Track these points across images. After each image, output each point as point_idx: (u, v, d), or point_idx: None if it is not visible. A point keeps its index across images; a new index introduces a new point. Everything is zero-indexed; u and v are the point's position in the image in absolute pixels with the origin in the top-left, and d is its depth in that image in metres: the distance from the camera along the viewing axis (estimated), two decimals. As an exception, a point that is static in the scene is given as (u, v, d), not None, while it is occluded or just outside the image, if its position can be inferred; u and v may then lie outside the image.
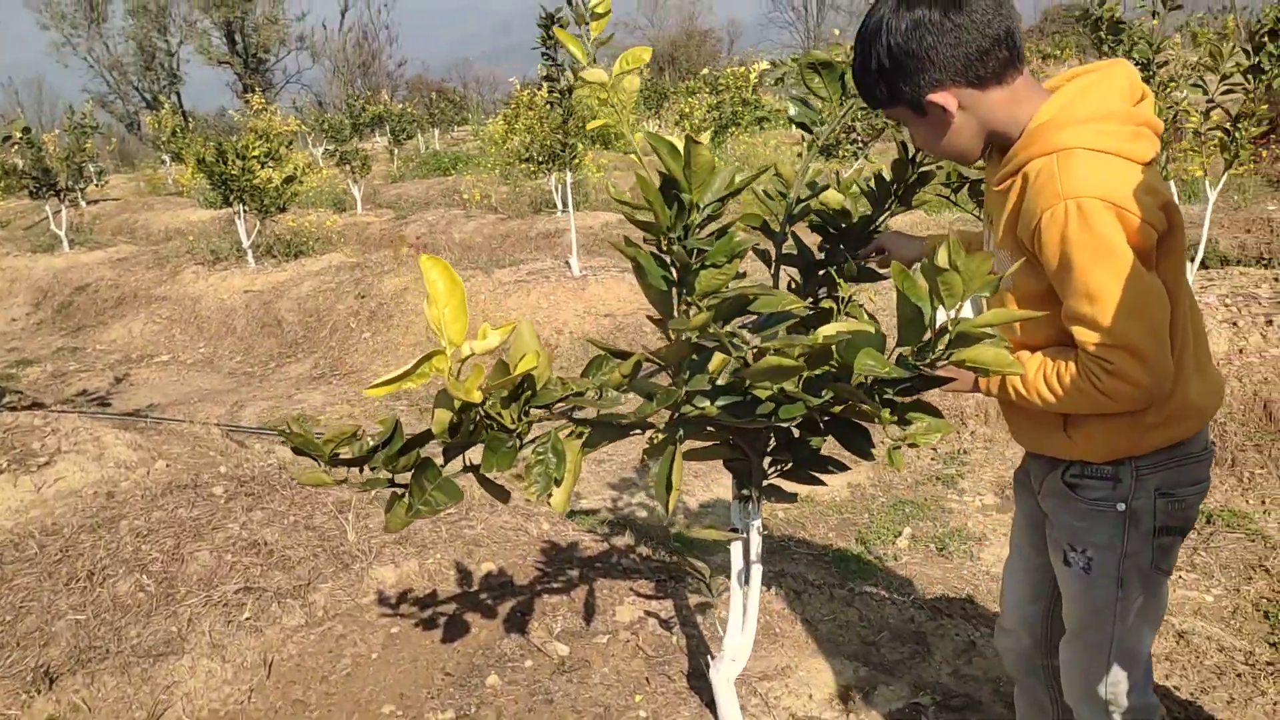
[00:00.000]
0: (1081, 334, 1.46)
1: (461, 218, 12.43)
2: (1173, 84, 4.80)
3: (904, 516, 4.40)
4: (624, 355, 1.59)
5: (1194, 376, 1.54)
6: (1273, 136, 8.37)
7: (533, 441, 1.60)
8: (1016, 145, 1.55)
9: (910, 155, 1.99)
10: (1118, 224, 1.42)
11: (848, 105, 2.08)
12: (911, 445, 1.42)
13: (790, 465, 1.94)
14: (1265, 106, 4.85)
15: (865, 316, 1.70)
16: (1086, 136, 1.48)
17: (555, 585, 3.17)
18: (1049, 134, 1.50)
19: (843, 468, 1.87)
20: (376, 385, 1.40)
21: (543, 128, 8.96)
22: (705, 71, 17.86)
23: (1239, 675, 2.80)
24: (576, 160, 8.42)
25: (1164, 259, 1.48)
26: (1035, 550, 1.81)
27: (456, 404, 1.51)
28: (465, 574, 3.26)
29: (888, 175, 2.03)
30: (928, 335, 1.36)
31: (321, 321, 8.03)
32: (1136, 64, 5.01)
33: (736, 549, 2.15)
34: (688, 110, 15.75)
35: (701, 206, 1.40)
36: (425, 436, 1.64)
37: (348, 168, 14.11)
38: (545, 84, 8.16)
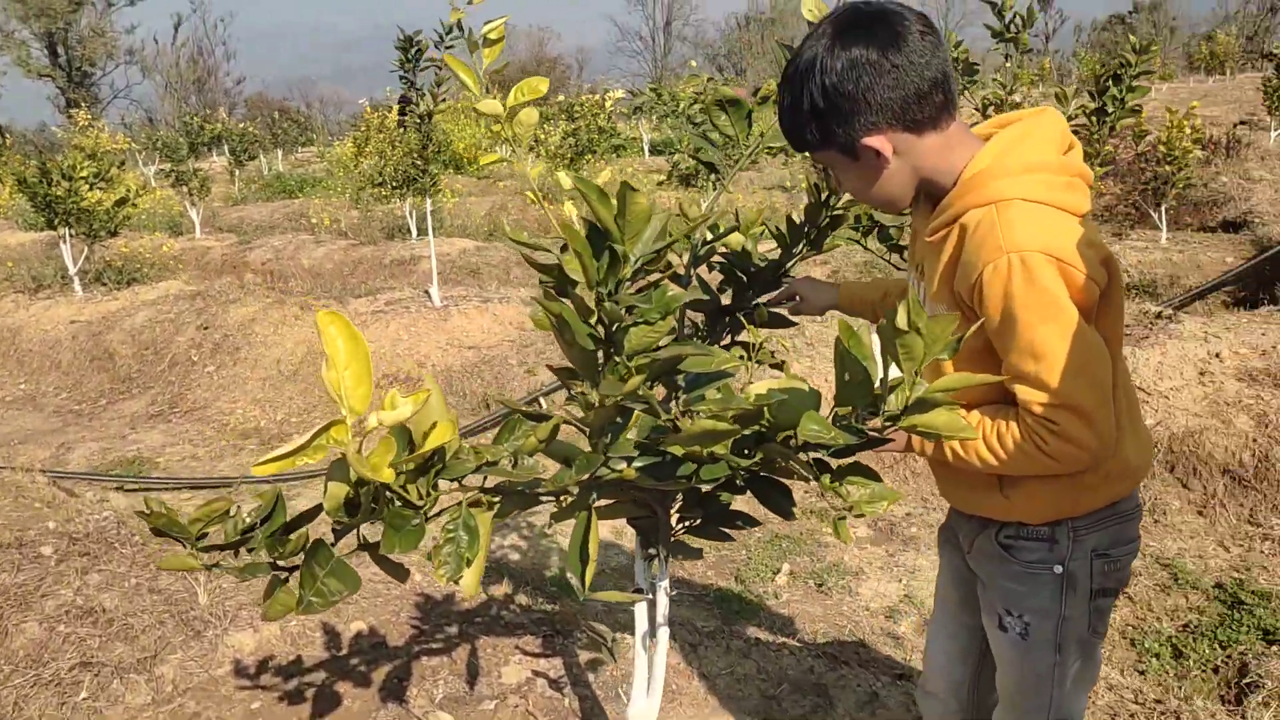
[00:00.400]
0: (1025, 393, 1.40)
1: (310, 243, 11.93)
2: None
3: (780, 552, 4.36)
4: (540, 417, 1.44)
5: (1130, 434, 1.51)
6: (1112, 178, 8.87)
7: (438, 514, 1.44)
8: (951, 194, 1.48)
9: (824, 198, 1.92)
10: (1061, 279, 1.36)
11: (753, 143, 2.00)
12: (858, 515, 1.33)
13: (699, 521, 1.83)
14: (1109, 147, 5.08)
15: (789, 372, 1.61)
16: (1024, 187, 1.42)
17: (434, 645, 2.96)
18: (986, 183, 1.44)
19: (754, 523, 1.77)
20: (265, 462, 1.20)
21: (395, 151, 8.69)
22: (561, 98, 17.81)
23: (1132, 716, 2.84)
24: (435, 187, 8.17)
25: (1103, 314, 1.44)
26: (963, 609, 1.76)
27: (353, 477, 1.33)
28: (333, 636, 3.01)
29: (798, 218, 1.96)
30: (874, 397, 1.27)
31: (159, 355, 7.50)
32: (988, 104, 5.19)
33: (641, 610, 2.02)
34: (543, 136, 15.65)
35: (634, 258, 1.27)
36: (313, 513, 1.45)
37: (185, 189, 13.36)
38: (400, 107, 7.89)
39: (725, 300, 2.03)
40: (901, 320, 1.14)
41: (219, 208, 16.68)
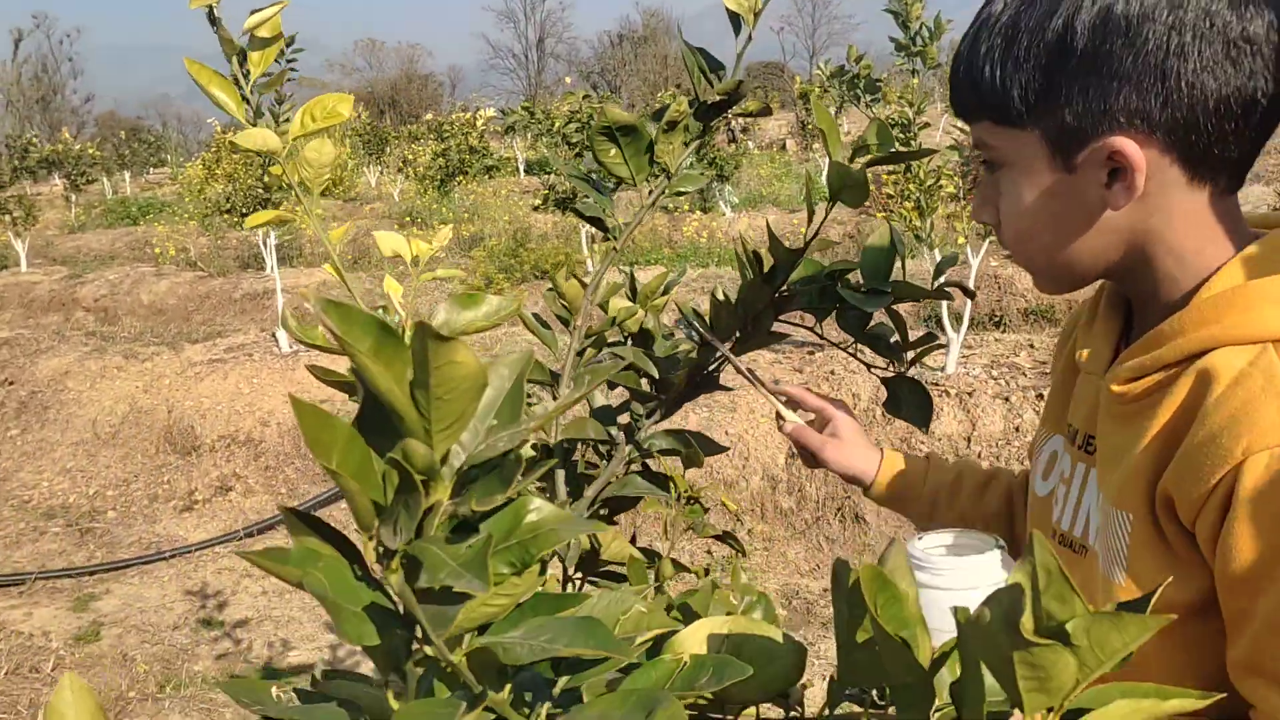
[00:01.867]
0: (1270, 709, 0.75)
1: (151, 275, 10.84)
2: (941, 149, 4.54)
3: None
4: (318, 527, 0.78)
5: None
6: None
7: None
8: (1183, 314, 0.82)
9: (766, 270, 1.29)
10: None
11: (659, 185, 1.39)
12: None
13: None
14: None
15: (738, 576, 0.98)
16: None
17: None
18: (1255, 306, 0.79)
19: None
20: None
21: (247, 175, 7.90)
22: (430, 117, 16.96)
23: None
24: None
25: None
26: None
27: None
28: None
29: (724, 293, 1.35)
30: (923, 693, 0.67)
31: (-45, 414, 6.45)
32: (893, 124, 4.72)
33: None
34: (411, 157, 14.83)
35: (456, 467, 0.63)
36: None
37: (7, 218, 12.05)
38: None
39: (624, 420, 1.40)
40: (1028, 624, 0.52)
41: (53, 236, 15.27)
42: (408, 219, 13.02)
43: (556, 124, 9.26)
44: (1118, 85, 0.78)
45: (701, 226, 10.27)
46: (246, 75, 1.31)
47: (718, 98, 1.35)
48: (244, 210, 7.90)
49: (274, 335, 6.72)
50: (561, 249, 9.36)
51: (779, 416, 1.29)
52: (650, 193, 1.40)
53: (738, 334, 1.31)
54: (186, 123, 56.23)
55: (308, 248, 11.83)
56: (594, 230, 7.70)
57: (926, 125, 4.58)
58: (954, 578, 0.89)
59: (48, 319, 9.31)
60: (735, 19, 1.37)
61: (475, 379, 0.60)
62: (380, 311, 1.37)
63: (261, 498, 5.27)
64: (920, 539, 0.98)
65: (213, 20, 1.32)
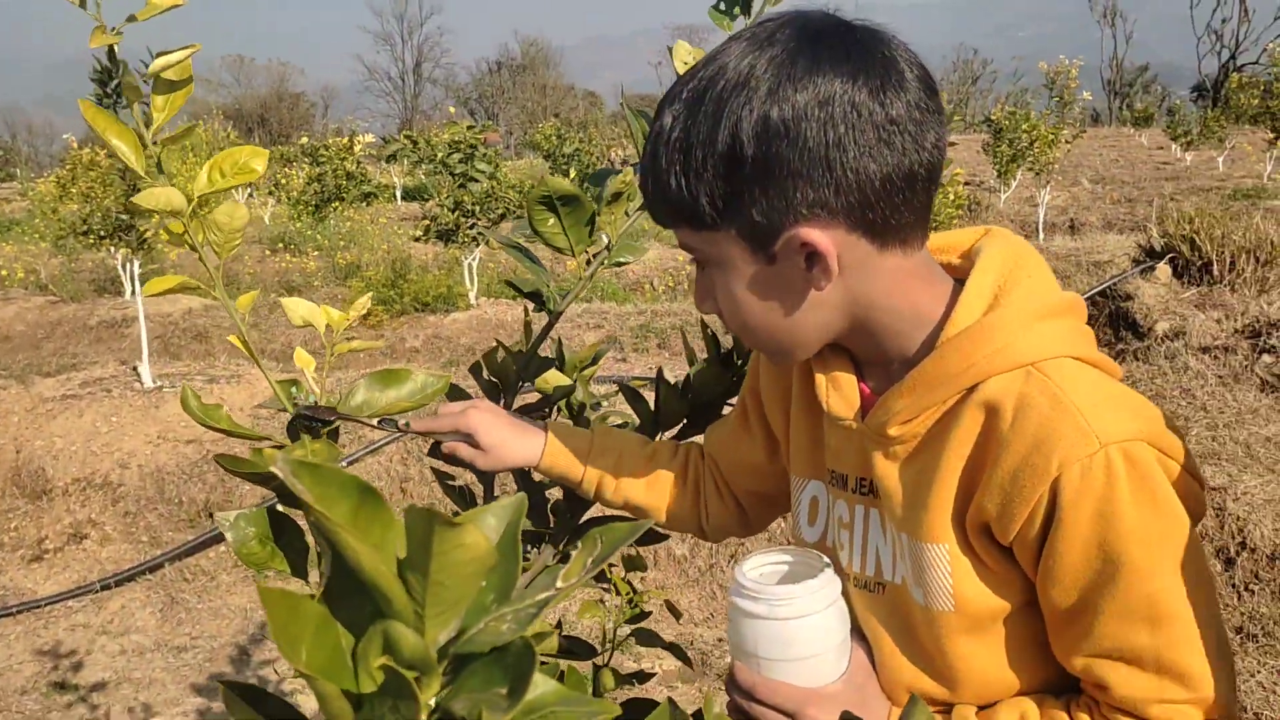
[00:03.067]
0: (1127, 685, 0.85)
1: (-3, 300, 10.13)
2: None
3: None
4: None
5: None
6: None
7: None
8: (938, 356, 0.88)
9: (725, 351, 1.22)
10: (1172, 488, 0.84)
11: (599, 257, 1.31)
12: None
13: None
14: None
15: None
16: (1064, 339, 0.88)
17: None
18: (1008, 333, 0.87)
19: None
20: None
21: (106, 194, 7.43)
22: (305, 140, 16.44)
23: None
24: (145, 242, 6.95)
25: None
26: None
27: None
28: None
29: (671, 372, 1.27)
30: None
31: None
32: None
33: None
34: (284, 181, 14.34)
35: (441, 655, 0.54)
36: None
37: None
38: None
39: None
40: None
41: (-116, 254, 14.14)
42: (280, 245, 12.57)
43: (439, 155, 9.06)
44: (792, 182, 0.83)
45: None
46: (148, 122, 1.18)
47: (665, 169, 1.28)
48: (101, 233, 7.43)
49: (135, 369, 6.33)
50: (444, 280, 9.15)
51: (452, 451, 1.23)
52: (588, 263, 1.33)
53: (685, 421, 1.24)
54: (38, 135, 53.28)
55: (171, 271, 11.27)
56: (472, 262, 7.47)
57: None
58: (790, 607, 0.90)
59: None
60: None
61: (483, 562, 0.51)
62: (294, 389, 1.25)
63: (120, 546, 4.92)
64: (748, 561, 0.98)
65: (113, 61, 1.19)
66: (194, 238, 1.21)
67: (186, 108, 1.25)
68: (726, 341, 1.20)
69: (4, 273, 11.56)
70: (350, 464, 5.08)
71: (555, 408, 1.41)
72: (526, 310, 1.37)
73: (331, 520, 0.50)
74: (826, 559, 0.96)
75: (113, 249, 7.66)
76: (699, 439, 1.24)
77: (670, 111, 0.87)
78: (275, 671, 3.86)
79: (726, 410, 1.23)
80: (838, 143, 0.81)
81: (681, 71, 1.30)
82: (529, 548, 1.29)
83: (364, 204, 14.21)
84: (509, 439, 1.16)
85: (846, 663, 0.94)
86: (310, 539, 1.24)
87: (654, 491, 1.18)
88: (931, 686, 0.93)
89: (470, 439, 1.17)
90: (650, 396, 1.30)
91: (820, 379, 0.98)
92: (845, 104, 0.81)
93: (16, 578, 4.72)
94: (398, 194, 17.65)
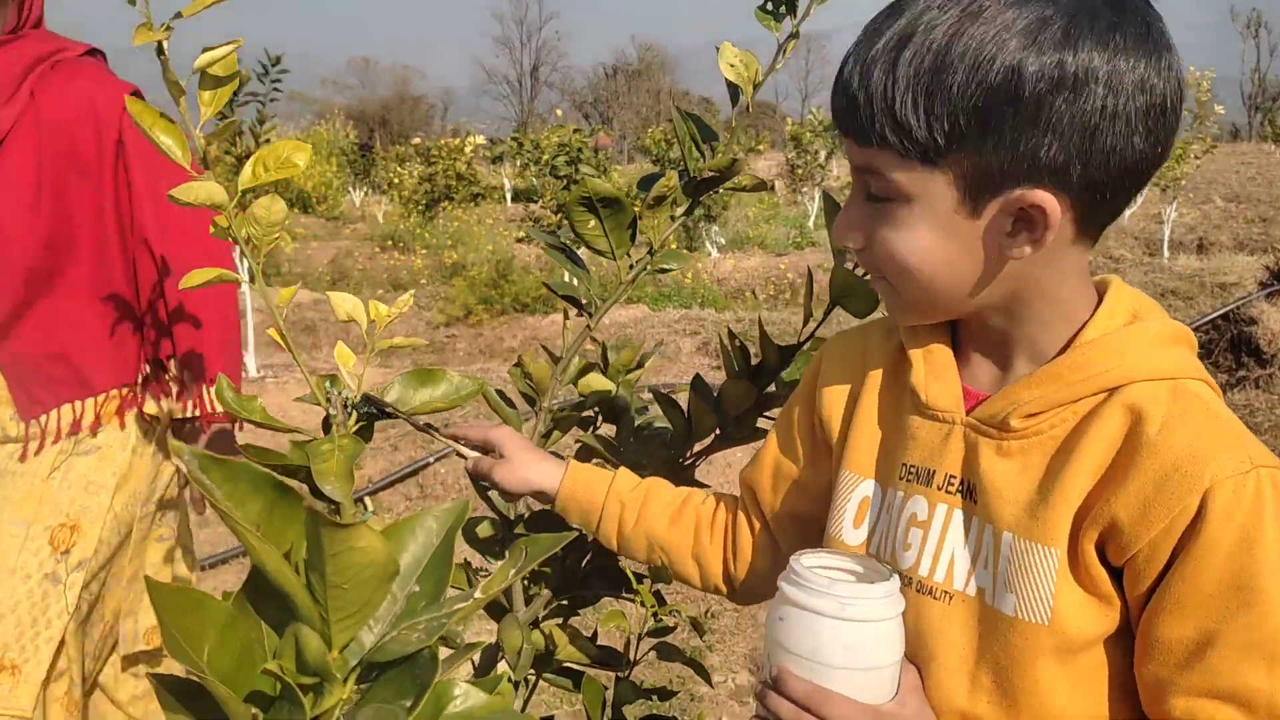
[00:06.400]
0: None
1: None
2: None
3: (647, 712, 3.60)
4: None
5: None
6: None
7: None
8: (1082, 353, 0.84)
9: (754, 363, 1.16)
10: None
11: (640, 263, 1.28)
12: None
13: None
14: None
15: None
16: (1196, 366, 0.85)
17: None
18: (1156, 346, 0.84)
19: None
20: None
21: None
22: (417, 141, 16.85)
23: None
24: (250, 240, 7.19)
25: None
26: None
27: None
28: None
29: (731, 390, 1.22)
30: None
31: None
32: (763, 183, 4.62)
33: None
34: (396, 180, 14.72)
35: (345, 668, 0.51)
36: None
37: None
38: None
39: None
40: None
41: None
42: (389, 242, 12.89)
43: (545, 156, 9.16)
44: (1052, 139, 0.76)
45: (686, 267, 10.20)
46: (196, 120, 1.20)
47: (709, 173, 1.25)
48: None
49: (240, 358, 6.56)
50: (543, 283, 9.24)
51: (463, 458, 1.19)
52: (631, 268, 1.29)
53: (717, 432, 1.20)
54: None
55: (285, 266, 11.67)
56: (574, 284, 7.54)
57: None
58: (863, 608, 0.82)
59: None
60: (734, 90, 1.27)
61: (381, 569, 0.47)
62: (329, 384, 1.25)
63: (217, 529, 5.08)
64: (803, 556, 0.88)
65: (161, 55, 1.21)
66: (237, 231, 1.22)
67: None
68: (753, 354, 1.15)
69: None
70: (416, 471, 5.15)
71: (596, 413, 1.39)
72: (604, 348, 1.35)
73: (238, 520, 0.47)
74: (889, 566, 0.89)
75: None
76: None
77: (931, 13, 0.77)
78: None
79: (761, 425, 1.18)
80: (1115, 114, 0.76)
81: (729, 76, 1.26)
82: (531, 586, 1.27)
83: (473, 204, 14.48)
84: (533, 461, 1.12)
85: (899, 683, 0.85)
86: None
87: (678, 529, 1.10)
88: (988, 712, 0.85)
89: (498, 455, 1.14)
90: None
91: (918, 368, 0.91)
92: (1136, 78, 0.76)
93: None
94: (507, 196, 17.94)
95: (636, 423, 1.39)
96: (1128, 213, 12.95)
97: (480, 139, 14.21)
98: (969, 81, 0.75)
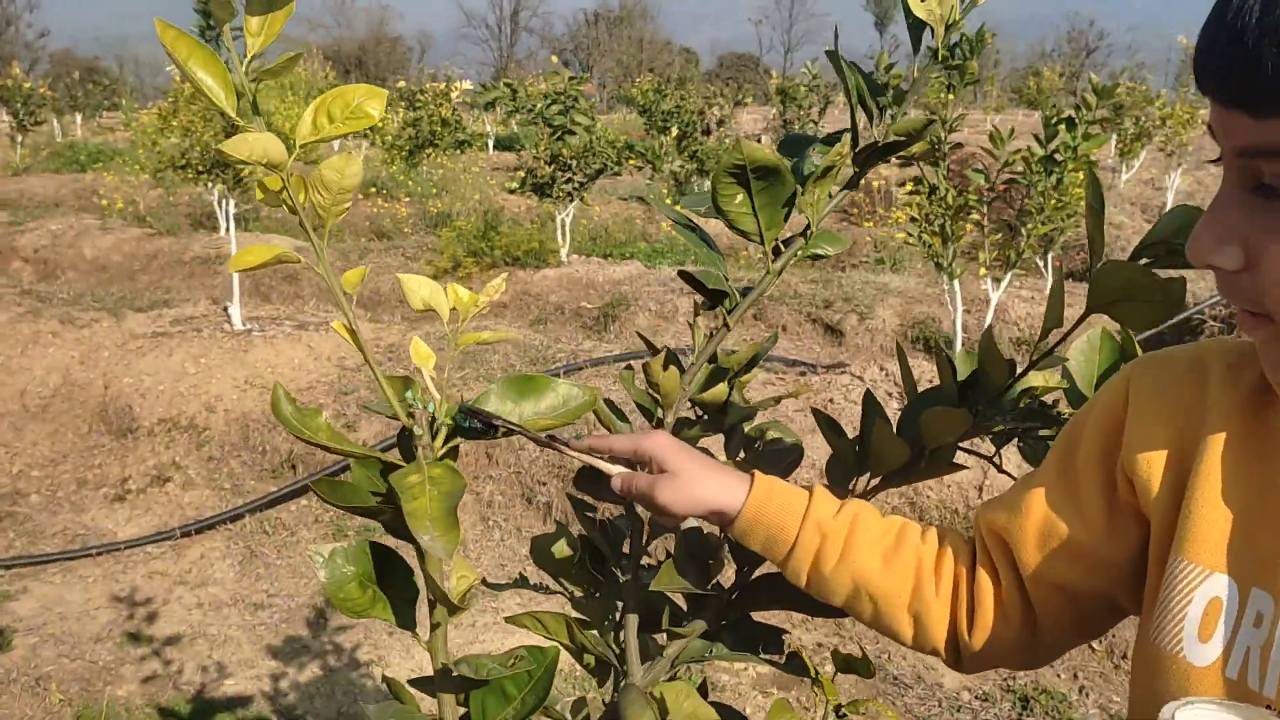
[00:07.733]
0: None
1: (96, 229, 10.21)
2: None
3: None
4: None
5: None
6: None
7: None
8: None
9: (962, 380, 0.94)
10: None
11: (790, 250, 1.04)
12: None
13: None
14: (1054, 202, 4.38)
15: None
16: None
17: None
18: None
19: None
20: None
21: (206, 129, 7.37)
22: (402, 84, 16.29)
23: None
24: (242, 181, 6.86)
25: None
26: None
27: None
28: None
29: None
30: None
31: None
32: (934, 148, 4.38)
33: None
34: (380, 126, 14.24)
35: None
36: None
37: (-56, 156, 11.31)
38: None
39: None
40: None
41: (-6, 177, 14.47)
42: (373, 189, 12.48)
43: (538, 106, 8.80)
44: None
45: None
46: (241, 53, 0.93)
47: (894, 138, 1.00)
48: (200, 168, 7.38)
49: (225, 309, 6.24)
50: (536, 235, 8.92)
51: (606, 477, 0.96)
52: (777, 252, 1.05)
53: (898, 468, 0.96)
54: (144, 67, 54.45)
55: (264, 211, 11.24)
56: (566, 218, 7.15)
57: (960, 146, 4.25)
58: None
59: (-20, 267, 8.71)
60: (917, 30, 1.04)
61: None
62: (409, 395, 1.00)
63: (202, 492, 4.82)
64: (1179, 710, 0.63)
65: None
66: (294, 197, 0.96)
67: (285, 45, 1.00)
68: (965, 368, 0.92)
69: (105, 202, 11.69)
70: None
71: (699, 416, 1.15)
72: (696, 307, 1.09)
73: None
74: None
75: (209, 184, 7.61)
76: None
77: None
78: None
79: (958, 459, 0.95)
80: None
81: (919, 14, 1.02)
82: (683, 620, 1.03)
83: (458, 151, 14.04)
84: (707, 473, 0.88)
85: None
86: (421, 583, 1.00)
87: (893, 574, 0.85)
88: None
89: (654, 470, 0.90)
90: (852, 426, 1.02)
91: (1243, 424, 0.70)
92: None
93: (99, 517, 4.66)
94: (490, 143, 17.46)
95: (746, 431, 1.16)
96: (1124, 177, 12.77)
97: (468, 84, 13.75)
98: None
